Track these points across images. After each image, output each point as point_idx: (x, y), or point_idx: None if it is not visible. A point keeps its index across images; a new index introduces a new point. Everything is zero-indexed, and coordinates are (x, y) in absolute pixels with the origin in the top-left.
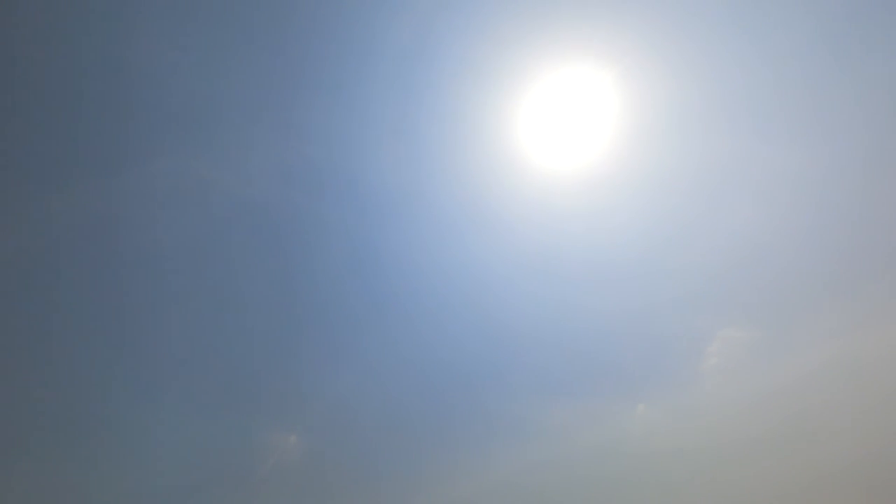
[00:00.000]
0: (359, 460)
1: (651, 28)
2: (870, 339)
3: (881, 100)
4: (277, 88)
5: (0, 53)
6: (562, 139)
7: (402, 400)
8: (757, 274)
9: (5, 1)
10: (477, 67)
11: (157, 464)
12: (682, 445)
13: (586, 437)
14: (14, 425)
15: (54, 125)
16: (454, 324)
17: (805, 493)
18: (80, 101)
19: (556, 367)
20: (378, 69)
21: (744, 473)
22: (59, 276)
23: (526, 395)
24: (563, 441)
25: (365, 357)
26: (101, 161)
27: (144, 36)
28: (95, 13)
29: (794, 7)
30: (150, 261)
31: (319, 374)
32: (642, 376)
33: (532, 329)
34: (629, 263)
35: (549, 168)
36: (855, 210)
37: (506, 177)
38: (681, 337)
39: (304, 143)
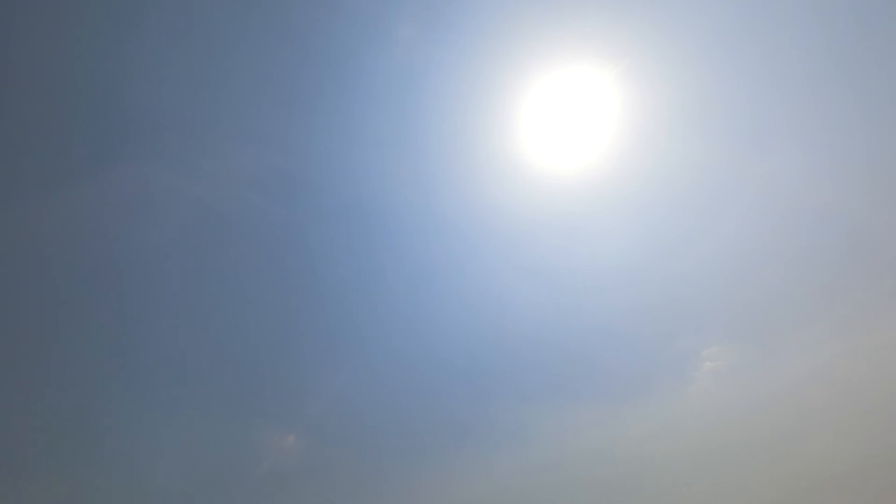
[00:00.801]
0: (357, 461)
1: (651, 28)
2: (866, 343)
3: (881, 102)
4: (293, 78)
5: None
6: (561, 140)
7: (399, 400)
8: (754, 279)
9: None
10: (476, 67)
11: (154, 463)
12: (679, 449)
13: (583, 441)
14: (14, 425)
15: (24, 132)
16: (453, 325)
17: (798, 498)
18: (54, 108)
19: (555, 369)
20: (378, 69)
21: (739, 477)
22: (58, 276)
23: (524, 397)
24: (560, 444)
25: (364, 357)
26: (83, 165)
27: (121, 45)
28: (69, 24)
29: (794, 8)
30: (149, 261)
31: (318, 374)
32: (639, 379)
33: (531, 330)
34: (627, 266)
35: (548, 168)
36: (854, 214)
37: (504, 177)
38: (678, 341)
39: (305, 143)
